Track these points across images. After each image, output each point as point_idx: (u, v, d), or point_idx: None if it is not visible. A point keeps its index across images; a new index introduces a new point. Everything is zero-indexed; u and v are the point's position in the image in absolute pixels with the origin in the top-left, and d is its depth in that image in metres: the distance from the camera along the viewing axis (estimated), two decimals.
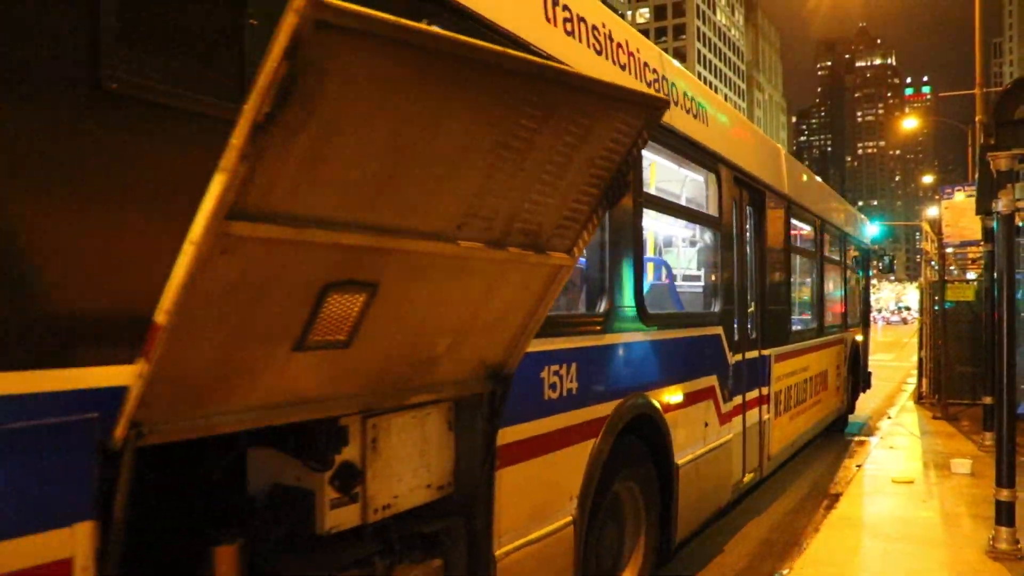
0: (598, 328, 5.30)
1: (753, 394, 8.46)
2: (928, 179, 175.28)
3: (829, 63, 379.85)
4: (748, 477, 8.45)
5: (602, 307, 5.39)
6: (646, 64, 5.93)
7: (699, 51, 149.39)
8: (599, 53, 5.22)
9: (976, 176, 11.50)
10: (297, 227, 2.28)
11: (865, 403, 18.92)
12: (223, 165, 2.04)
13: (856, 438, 14.06)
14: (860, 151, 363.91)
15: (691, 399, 6.73)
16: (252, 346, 2.49)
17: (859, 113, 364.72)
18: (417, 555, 3.62)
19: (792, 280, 10.22)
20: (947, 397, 16.48)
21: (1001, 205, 7.26)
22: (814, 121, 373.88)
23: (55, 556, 2.30)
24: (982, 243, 15.01)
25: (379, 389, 3.15)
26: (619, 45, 5.51)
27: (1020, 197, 7.45)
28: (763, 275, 8.87)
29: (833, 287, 13.21)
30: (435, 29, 2.25)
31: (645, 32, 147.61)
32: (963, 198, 16.91)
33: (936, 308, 17.34)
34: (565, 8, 4.82)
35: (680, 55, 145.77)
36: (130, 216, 2.48)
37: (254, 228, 2.18)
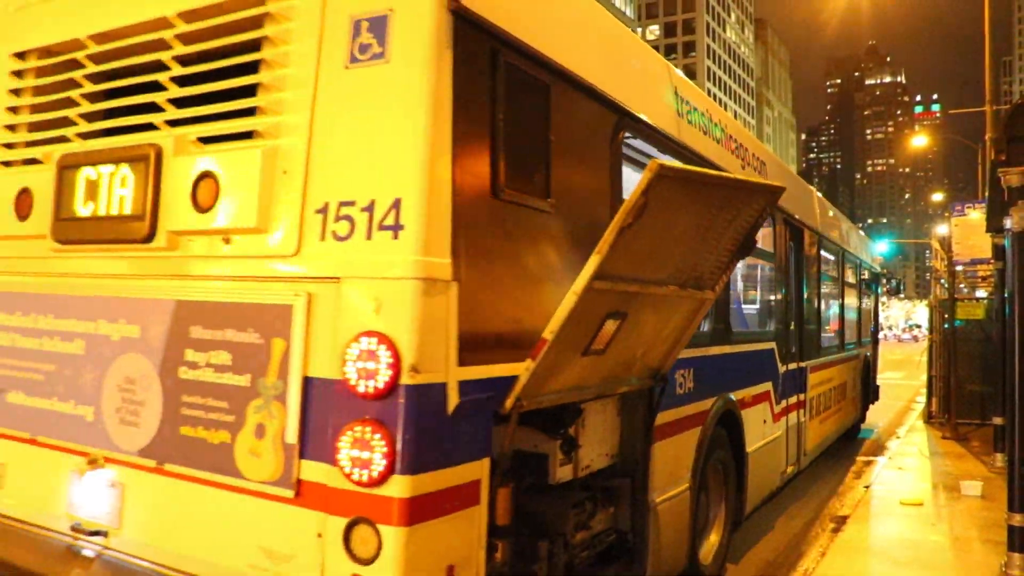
0: (706, 342, 6.85)
1: (794, 399, 9.88)
2: (938, 197, 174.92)
3: (839, 81, 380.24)
4: (790, 468, 9.86)
5: (706, 327, 6.92)
6: (748, 149, 8.13)
7: (709, 68, 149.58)
8: (731, 152, 7.52)
9: (987, 193, 11.34)
10: (614, 281, 3.97)
11: (874, 420, 18.74)
12: (599, 249, 3.74)
13: (864, 457, 13.86)
14: (870, 168, 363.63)
15: (756, 400, 8.22)
16: (567, 352, 4.09)
17: (868, 131, 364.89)
18: (604, 503, 5.29)
19: (821, 302, 11.59)
20: (957, 417, 16.28)
21: (1013, 222, 7.09)
22: (823, 138, 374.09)
23: (473, 477, 3.75)
24: (992, 261, 14.84)
25: (606, 383, 4.75)
26: (731, 137, 7.59)
27: None
28: (800, 298, 10.33)
29: (851, 308, 14.48)
30: (710, 171, 4.10)
31: (655, 48, 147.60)
32: (974, 216, 16.73)
33: (946, 326, 17.15)
34: (721, 128, 7.31)
35: (690, 72, 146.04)
36: (525, 274, 4.20)
37: (601, 284, 3.88)
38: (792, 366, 9.74)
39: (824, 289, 11.86)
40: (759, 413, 8.31)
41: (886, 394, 22.84)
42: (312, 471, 3.70)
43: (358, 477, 3.52)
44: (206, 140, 4.23)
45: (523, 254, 4.18)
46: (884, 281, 17.99)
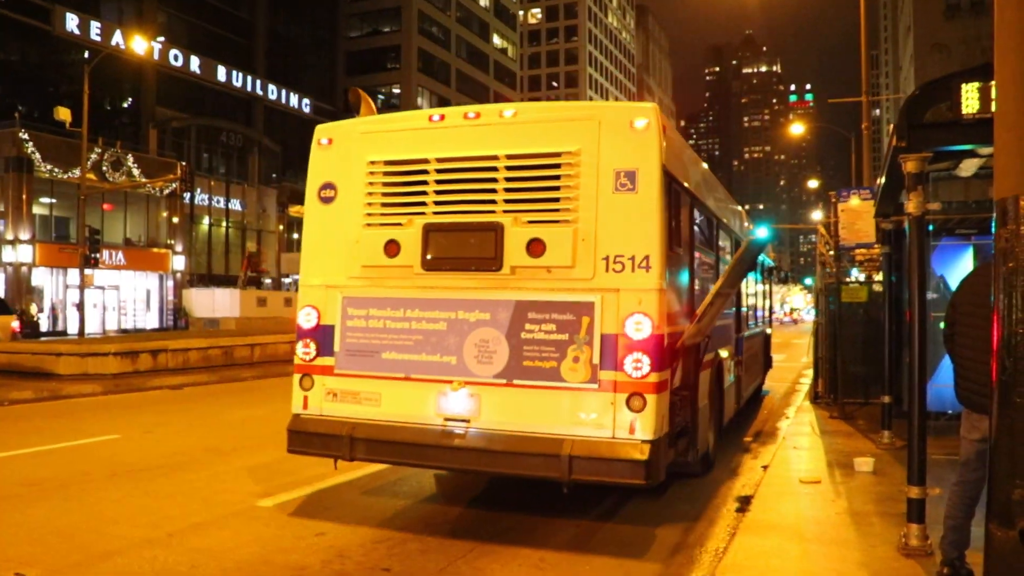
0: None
1: (737, 359, 13.93)
2: (813, 184, 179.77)
3: (717, 68, 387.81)
4: (737, 405, 14.20)
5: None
6: (724, 199, 13.31)
7: (590, 53, 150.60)
8: (722, 203, 12.85)
9: (879, 180, 11.67)
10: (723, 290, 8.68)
11: (763, 401, 19.21)
12: (725, 274, 8.55)
13: (753, 440, 14.19)
14: (747, 155, 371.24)
15: (727, 356, 12.53)
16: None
17: (746, 118, 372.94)
18: (680, 403, 8.78)
19: (745, 291, 15.36)
20: (843, 397, 16.79)
21: (912, 207, 7.31)
22: (702, 125, 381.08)
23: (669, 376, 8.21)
24: (877, 245, 15.35)
25: None
26: (721, 196, 13.00)
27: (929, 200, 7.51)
28: (740, 290, 14.15)
29: (759, 294, 18.99)
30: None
31: (536, 33, 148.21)
32: (858, 202, 17.27)
33: (832, 308, 17.67)
34: (724, 194, 13.58)
35: (571, 56, 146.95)
36: (682, 284, 8.80)
37: (726, 291, 8.62)
38: (736, 335, 13.74)
39: (747, 281, 15.49)
40: (728, 364, 12.43)
41: (770, 377, 23.48)
42: (606, 375, 7.69)
43: (635, 375, 7.60)
44: (531, 221, 8.02)
45: (681, 275, 8.69)
46: (775, 271, 22.57)
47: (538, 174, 8.05)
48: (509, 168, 8.12)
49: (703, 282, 10.11)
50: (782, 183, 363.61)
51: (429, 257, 8.35)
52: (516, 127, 8.27)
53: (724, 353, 11.91)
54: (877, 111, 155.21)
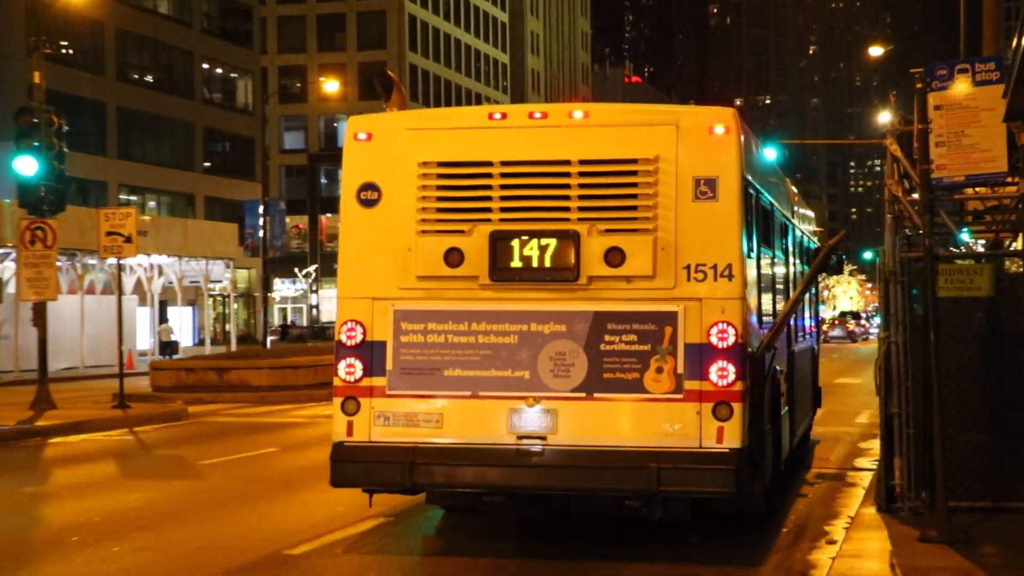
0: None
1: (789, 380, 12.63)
2: (876, 51, 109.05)
3: None
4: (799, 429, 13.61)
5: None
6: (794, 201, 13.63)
7: None
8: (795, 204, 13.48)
9: (1019, 42, 7.12)
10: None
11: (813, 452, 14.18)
12: (805, 280, 10.99)
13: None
14: None
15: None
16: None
17: None
18: None
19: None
20: (948, 496, 8.24)
21: None
22: None
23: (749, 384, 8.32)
24: (1015, 179, 9.49)
25: None
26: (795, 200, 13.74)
27: None
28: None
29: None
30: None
31: None
32: (970, 89, 8.76)
33: (919, 311, 9.06)
34: (794, 197, 14.11)
35: None
36: (760, 290, 9.28)
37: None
38: (787, 349, 11.39)
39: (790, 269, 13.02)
40: (783, 384, 10.74)
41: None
42: (691, 384, 7.86)
43: (720, 383, 7.79)
44: (609, 230, 8.02)
45: (758, 282, 9.04)
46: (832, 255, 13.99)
47: (615, 181, 8.14)
48: (583, 174, 8.13)
49: (778, 289, 10.54)
50: (812, 50, 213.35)
51: (498, 267, 8.15)
52: (588, 131, 8.37)
53: (779, 368, 10.24)
54: None
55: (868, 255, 68.80)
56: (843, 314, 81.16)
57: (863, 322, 76.11)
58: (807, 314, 14.85)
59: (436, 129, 8.71)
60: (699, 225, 7.91)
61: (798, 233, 12.87)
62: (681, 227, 7.91)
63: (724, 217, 7.93)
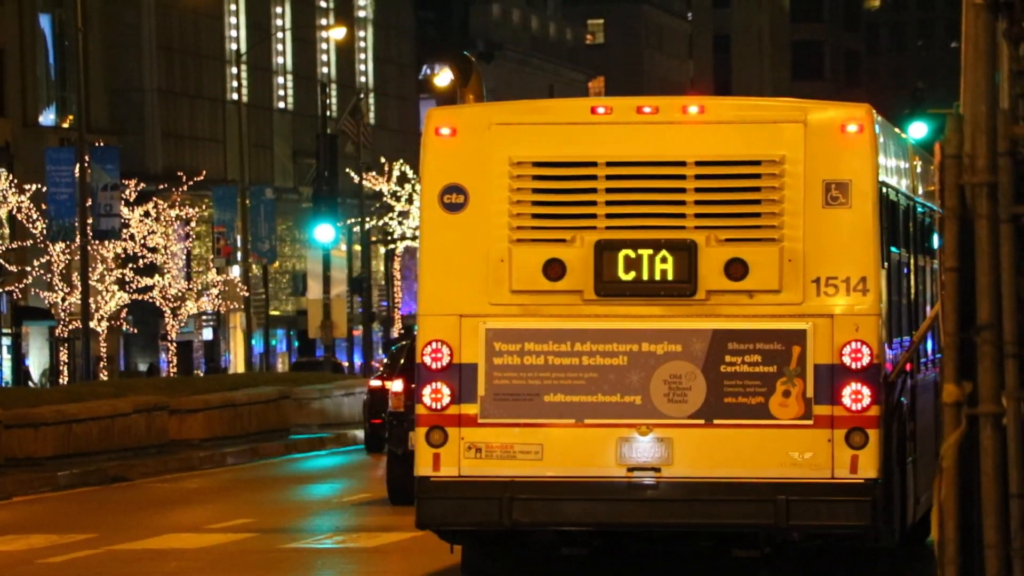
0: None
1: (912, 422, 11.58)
2: None
3: None
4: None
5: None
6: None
7: None
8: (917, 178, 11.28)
9: None
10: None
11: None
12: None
13: None
14: None
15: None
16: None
17: None
18: None
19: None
20: None
21: None
22: None
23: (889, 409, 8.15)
24: None
25: None
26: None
27: None
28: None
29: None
30: None
31: None
32: None
33: None
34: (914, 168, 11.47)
35: None
36: (898, 306, 8.88)
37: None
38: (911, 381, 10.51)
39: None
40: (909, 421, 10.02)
41: None
42: (821, 409, 7.35)
43: (854, 408, 7.29)
44: (729, 240, 7.44)
45: (894, 296, 8.19)
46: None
47: (736, 184, 7.67)
48: (699, 177, 7.58)
49: (913, 303, 9.43)
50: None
51: (605, 280, 7.57)
52: (704, 127, 7.77)
53: (904, 401, 8.87)
54: None
55: None
56: None
57: None
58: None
59: (530, 124, 7.96)
60: (829, 234, 7.46)
61: (932, 233, 10.78)
62: (809, 236, 7.43)
63: (858, 225, 7.44)
